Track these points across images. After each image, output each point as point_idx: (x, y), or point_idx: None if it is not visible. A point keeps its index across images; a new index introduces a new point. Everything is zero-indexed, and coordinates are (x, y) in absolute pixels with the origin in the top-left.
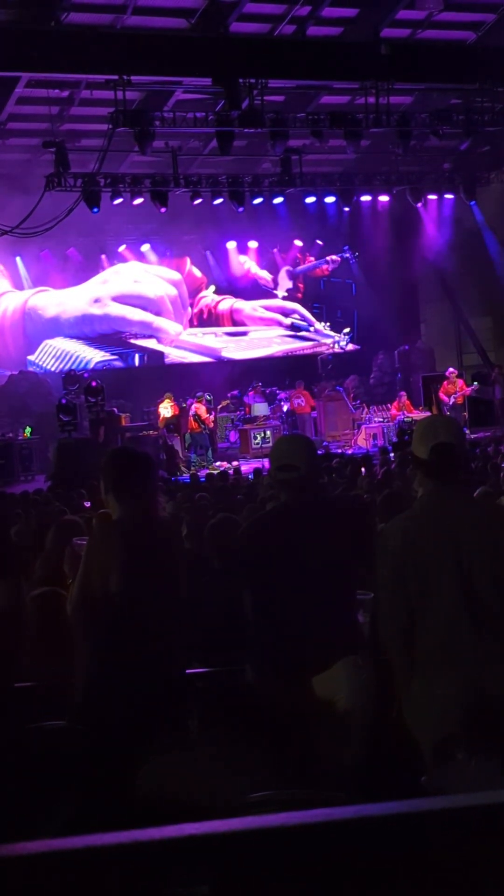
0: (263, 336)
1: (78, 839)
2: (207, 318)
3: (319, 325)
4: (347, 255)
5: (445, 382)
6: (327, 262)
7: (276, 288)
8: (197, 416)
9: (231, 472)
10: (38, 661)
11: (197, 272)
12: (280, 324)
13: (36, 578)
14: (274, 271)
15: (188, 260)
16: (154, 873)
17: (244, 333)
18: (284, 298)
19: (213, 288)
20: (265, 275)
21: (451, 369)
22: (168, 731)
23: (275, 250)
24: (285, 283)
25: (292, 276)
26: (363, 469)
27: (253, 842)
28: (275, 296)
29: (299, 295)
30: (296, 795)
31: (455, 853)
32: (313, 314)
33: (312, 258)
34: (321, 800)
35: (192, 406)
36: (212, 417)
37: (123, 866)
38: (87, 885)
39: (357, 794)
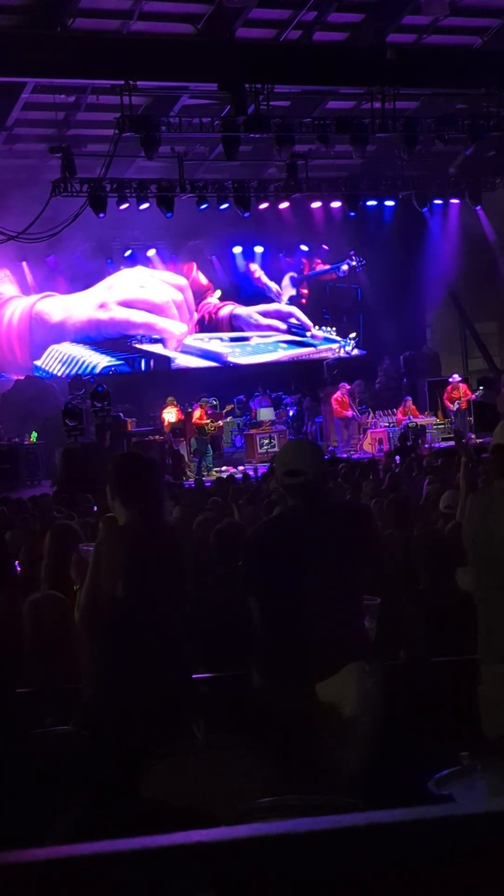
0: (265, 341)
1: (84, 846)
2: (209, 324)
3: (317, 330)
4: (353, 260)
5: (449, 387)
6: (334, 270)
7: (281, 294)
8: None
9: (238, 476)
10: (36, 666)
11: (202, 278)
12: (277, 330)
13: (43, 586)
14: (279, 276)
15: (194, 265)
16: (160, 880)
17: (248, 339)
18: (288, 303)
19: (218, 293)
20: (273, 285)
21: (455, 375)
22: (174, 736)
23: (280, 255)
24: (289, 290)
25: (297, 281)
26: (370, 474)
27: (260, 849)
28: (278, 301)
29: (303, 301)
30: (303, 801)
31: (464, 861)
32: (319, 319)
33: (319, 260)
34: (329, 806)
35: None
36: (210, 422)
37: (130, 873)
38: (92, 891)
39: (363, 800)
